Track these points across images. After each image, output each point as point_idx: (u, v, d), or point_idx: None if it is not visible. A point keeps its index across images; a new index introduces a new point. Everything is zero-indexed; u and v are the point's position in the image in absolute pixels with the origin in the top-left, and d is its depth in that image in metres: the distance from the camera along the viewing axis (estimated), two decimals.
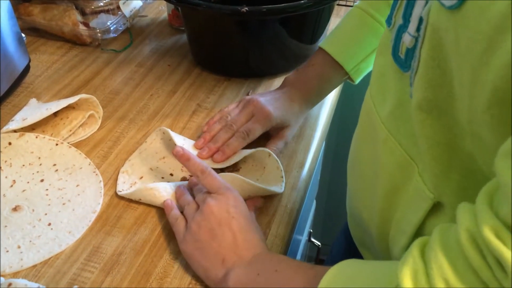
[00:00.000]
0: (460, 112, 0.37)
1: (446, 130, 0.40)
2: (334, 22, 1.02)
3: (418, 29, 0.41)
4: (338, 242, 0.81)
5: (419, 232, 0.46)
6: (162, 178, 0.66)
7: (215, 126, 0.69)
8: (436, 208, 0.43)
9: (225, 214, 0.53)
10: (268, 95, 0.71)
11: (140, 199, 0.62)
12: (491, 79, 0.32)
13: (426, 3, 0.40)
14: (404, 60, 0.44)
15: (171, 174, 0.67)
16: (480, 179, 0.37)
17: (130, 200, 0.63)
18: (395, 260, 0.44)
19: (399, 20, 0.45)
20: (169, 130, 0.69)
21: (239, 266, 0.50)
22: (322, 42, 0.73)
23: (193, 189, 0.61)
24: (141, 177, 0.66)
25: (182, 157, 0.58)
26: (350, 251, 0.67)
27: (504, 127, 0.32)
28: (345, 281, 0.41)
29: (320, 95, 0.75)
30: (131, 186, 0.64)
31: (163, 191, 0.60)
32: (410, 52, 0.43)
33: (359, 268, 0.42)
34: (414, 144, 0.44)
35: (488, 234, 0.29)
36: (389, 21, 0.49)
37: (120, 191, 0.63)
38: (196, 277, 0.54)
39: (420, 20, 0.40)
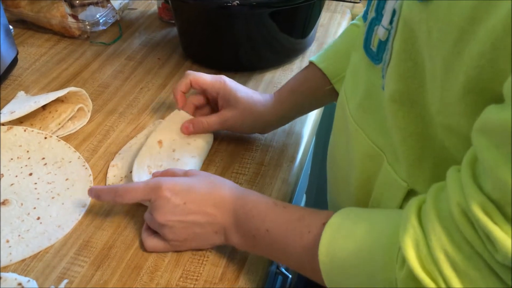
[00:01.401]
0: (430, 103, 0.38)
1: (418, 120, 0.41)
2: (324, 16, 1.02)
3: (391, 22, 0.41)
4: None
5: None
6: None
7: None
8: (411, 196, 0.44)
9: (174, 210, 0.52)
10: None
11: None
12: (464, 69, 0.32)
13: None
14: (376, 53, 0.45)
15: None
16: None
17: None
18: (387, 209, 0.46)
19: (372, 14, 0.46)
20: (162, 122, 0.69)
21: (230, 232, 0.52)
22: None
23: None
24: (131, 171, 0.65)
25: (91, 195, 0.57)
26: None
27: (478, 114, 0.33)
28: (344, 239, 0.42)
29: (294, 93, 0.68)
30: (121, 180, 0.64)
31: None
32: (382, 44, 0.43)
33: (354, 227, 0.43)
34: (382, 134, 0.45)
35: (477, 210, 0.31)
36: (365, 16, 0.49)
37: (110, 185, 0.63)
38: (186, 270, 0.54)
39: (393, 12, 0.41)
